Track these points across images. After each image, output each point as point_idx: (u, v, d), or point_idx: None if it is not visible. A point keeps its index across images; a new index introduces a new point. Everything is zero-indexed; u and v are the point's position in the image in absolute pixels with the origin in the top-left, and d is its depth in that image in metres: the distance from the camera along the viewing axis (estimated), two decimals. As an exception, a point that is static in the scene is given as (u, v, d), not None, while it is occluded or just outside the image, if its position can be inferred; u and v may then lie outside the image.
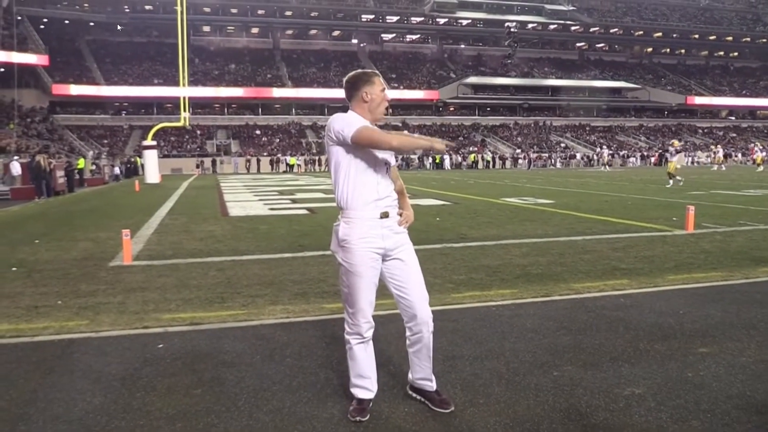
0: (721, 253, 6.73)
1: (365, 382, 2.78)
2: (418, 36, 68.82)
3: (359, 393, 2.78)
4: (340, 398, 2.92)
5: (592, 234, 8.38)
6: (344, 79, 2.77)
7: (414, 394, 2.89)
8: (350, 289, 2.69)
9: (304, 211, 12.48)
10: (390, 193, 2.72)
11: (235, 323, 4.23)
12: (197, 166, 43.98)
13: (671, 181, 19.38)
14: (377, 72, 2.79)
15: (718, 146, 42.03)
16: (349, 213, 2.66)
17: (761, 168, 33.09)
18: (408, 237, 2.79)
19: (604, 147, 49.71)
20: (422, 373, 2.81)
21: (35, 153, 24.39)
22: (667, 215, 10.49)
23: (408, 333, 2.77)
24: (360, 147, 2.60)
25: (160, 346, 3.76)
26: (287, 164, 44.88)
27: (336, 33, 65.98)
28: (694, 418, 2.66)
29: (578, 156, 51.34)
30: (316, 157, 46.34)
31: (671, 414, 2.71)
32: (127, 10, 57.40)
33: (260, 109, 56.32)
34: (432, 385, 2.83)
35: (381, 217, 2.66)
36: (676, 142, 23.33)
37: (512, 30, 63.80)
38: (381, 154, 2.67)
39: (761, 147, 36.66)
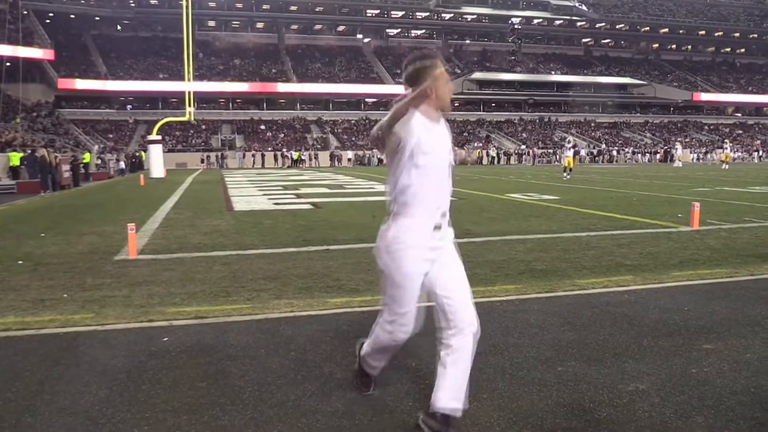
0: (727, 250, 6.70)
1: (373, 360, 2.79)
2: (423, 31, 68.67)
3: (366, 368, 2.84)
4: (344, 392, 2.93)
5: (596, 230, 8.36)
6: (403, 70, 2.51)
7: (425, 428, 2.43)
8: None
9: (309, 206, 12.48)
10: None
11: (240, 317, 4.24)
12: (202, 161, 44.09)
13: (566, 174, 22.89)
14: (434, 55, 2.48)
15: (678, 144, 46.58)
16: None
17: (720, 165, 33.25)
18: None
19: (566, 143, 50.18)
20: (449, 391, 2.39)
21: (38, 147, 24.51)
22: (672, 212, 10.47)
23: (444, 340, 2.46)
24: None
25: (165, 339, 3.78)
26: (291, 159, 44.89)
27: (341, 28, 65.91)
28: (698, 414, 2.66)
29: (582, 152, 51.12)
30: (320, 153, 46.39)
31: (675, 410, 2.71)
32: (133, 5, 57.58)
33: (265, 104, 56.37)
34: (459, 408, 2.40)
35: (434, 229, 2.43)
36: (572, 139, 27.52)
37: (516, 26, 63.60)
38: (439, 157, 2.39)
39: (730, 146, 37.57)
